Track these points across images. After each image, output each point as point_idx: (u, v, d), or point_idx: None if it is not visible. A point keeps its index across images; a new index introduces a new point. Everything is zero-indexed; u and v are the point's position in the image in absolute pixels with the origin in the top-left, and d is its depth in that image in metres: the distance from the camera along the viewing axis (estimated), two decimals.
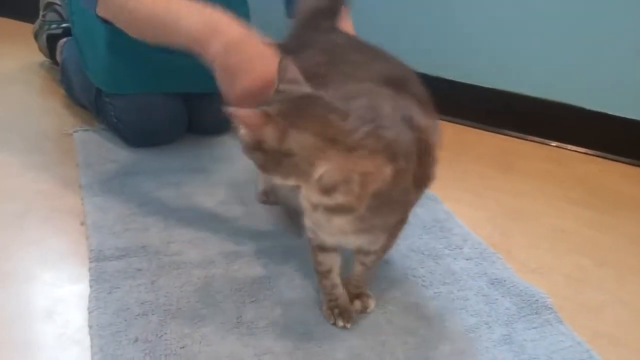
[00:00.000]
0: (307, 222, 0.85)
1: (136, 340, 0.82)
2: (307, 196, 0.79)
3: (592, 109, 1.68)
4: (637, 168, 1.65)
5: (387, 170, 0.74)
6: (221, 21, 0.94)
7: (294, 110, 0.73)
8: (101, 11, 1.09)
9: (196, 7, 0.97)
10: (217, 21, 0.94)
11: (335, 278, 0.91)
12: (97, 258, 0.98)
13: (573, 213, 1.36)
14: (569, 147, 1.73)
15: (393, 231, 0.88)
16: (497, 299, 1.00)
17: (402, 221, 0.87)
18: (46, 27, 1.74)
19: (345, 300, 0.92)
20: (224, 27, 0.94)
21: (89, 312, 0.86)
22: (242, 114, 0.72)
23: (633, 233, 1.30)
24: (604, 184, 1.55)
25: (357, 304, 0.93)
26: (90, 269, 0.95)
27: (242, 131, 0.75)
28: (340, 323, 0.89)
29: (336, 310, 0.90)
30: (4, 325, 0.84)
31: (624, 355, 0.95)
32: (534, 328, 0.94)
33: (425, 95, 0.89)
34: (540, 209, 1.36)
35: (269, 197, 0.99)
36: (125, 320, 0.85)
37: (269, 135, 0.72)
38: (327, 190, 0.74)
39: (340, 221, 0.78)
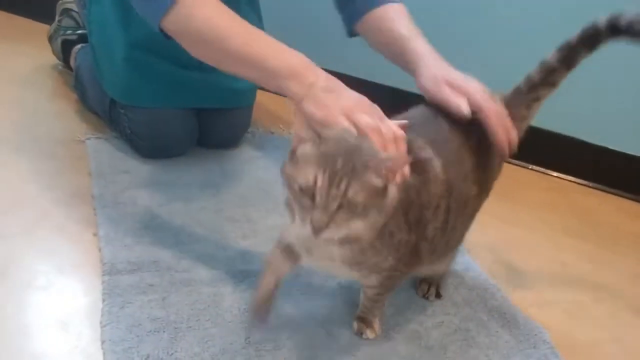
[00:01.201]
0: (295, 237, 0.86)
1: (148, 357, 0.84)
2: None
3: (593, 142, 1.72)
4: (634, 203, 1.69)
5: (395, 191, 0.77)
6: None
7: None
8: (169, 25, 1.01)
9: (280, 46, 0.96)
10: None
11: (269, 278, 0.90)
12: (110, 271, 0.99)
13: (572, 246, 1.39)
14: (569, 178, 1.76)
15: (385, 281, 0.89)
16: (497, 331, 1.02)
17: (393, 268, 0.86)
18: (61, 32, 1.76)
19: (261, 300, 0.91)
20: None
21: (102, 327, 0.88)
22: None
23: (630, 270, 1.33)
24: (603, 218, 1.58)
25: (355, 325, 0.96)
26: (103, 282, 0.97)
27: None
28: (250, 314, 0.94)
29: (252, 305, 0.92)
30: (18, 334, 0.86)
31: None
32: None
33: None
34: (540, 241, 1.39)
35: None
36: (138, 337, 0.87)
37: None
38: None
39: (342, 250, 0.80)
